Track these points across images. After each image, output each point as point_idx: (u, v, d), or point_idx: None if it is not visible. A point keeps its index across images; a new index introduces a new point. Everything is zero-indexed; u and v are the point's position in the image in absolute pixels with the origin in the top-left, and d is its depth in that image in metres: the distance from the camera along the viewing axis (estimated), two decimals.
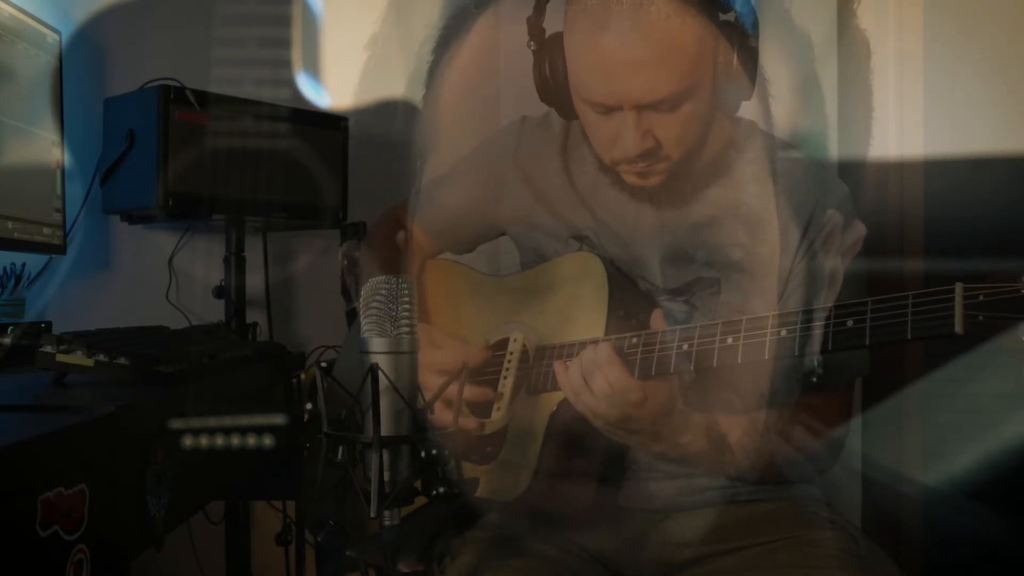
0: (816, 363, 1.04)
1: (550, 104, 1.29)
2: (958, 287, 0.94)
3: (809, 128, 1.92)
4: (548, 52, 1.25)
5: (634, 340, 1.16)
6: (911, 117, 2.08)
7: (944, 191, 2.04)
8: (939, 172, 2.05)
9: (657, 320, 1.17)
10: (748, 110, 1.36)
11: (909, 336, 0.96)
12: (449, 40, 1.93)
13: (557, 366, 1.19)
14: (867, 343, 0.99)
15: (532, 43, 1.26)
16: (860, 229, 1.22)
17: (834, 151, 2.13)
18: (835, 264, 1.21)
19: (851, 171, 2.04)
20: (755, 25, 1.20)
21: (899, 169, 2.10)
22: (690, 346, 1.11)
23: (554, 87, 1.25)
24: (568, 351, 1.24)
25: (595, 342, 1.18)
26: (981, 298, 0.92)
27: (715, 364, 1.10)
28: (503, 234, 1.49)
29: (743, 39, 1.16)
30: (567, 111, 1.27)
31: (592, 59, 1.16)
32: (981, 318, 0.92)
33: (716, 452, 1.22)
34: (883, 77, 2.09)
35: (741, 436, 1.22)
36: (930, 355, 2.01)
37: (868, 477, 2.09)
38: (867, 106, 2.11)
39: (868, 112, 2.11)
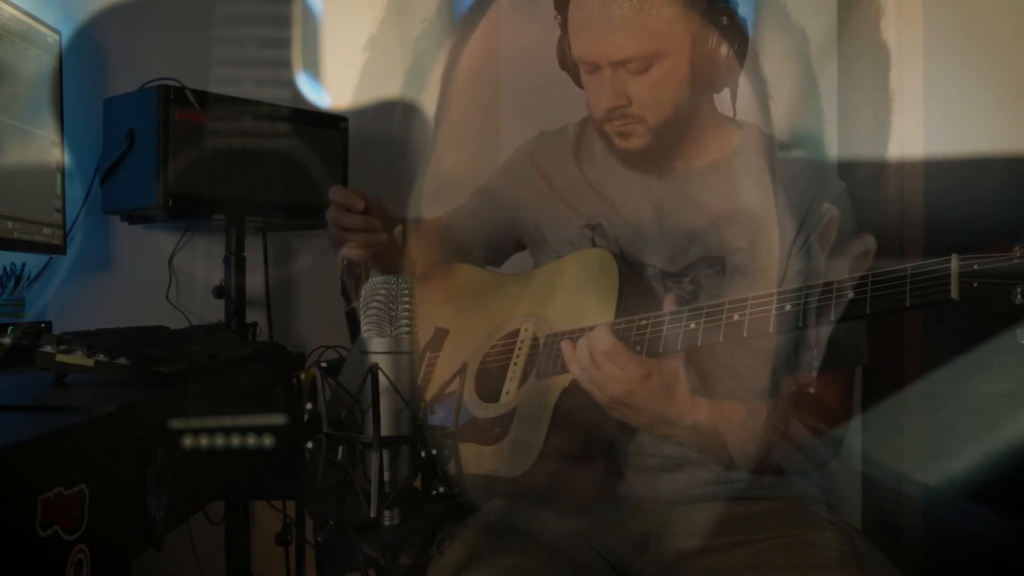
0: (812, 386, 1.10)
1: (569, 73, 1.40)
2: (954, 257, 0.97)
3: (806, 125, 1.93)
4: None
5: (643, 322, 1.21)
6: (911, 117, 2.08)
7: (944, 191, 2.04)
8: (939, 172, 2.05)
9: (669, 303, 1.21)
10: (747, 112, 1.41)
11: (908, 304, 0.99)
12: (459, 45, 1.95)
13: (565, 344, 1.24)
14: (868, 312, 1.02)
15: (558, 16, 1.37)
16: (869, 241, 1.25)
17: (834, 151, 2.14)
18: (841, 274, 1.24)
19: (851, 171, 2.04)
20: (744, 30, 1.31)
21: (899, 169, 2.10)
22: (696, 324, 1.16)
23: (572, 59, 1.36)
24: (578, 335, 1.26)
25: (611, 325, 1.22)
26: (976, 266, 0.96)
27: (721, 339, 1.14)
28: (520, 243, 1.56)
29: (729, 25, 1.28)
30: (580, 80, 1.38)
31: (580, 19, 1.31)
32: (976, 284, 0.95)
33: (720, 437, 1.24)
34: (883, 77, 2.09)
35: (745, 421, 1.24)
36: (930, 355, 2.01)
37: (868, 477, 2.09)
38: (867, 106, 2.11)
39: (868, 112, 2.11)
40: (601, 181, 1.43)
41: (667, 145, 1.34)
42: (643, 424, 1.23)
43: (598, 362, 1.19)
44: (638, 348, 1.19)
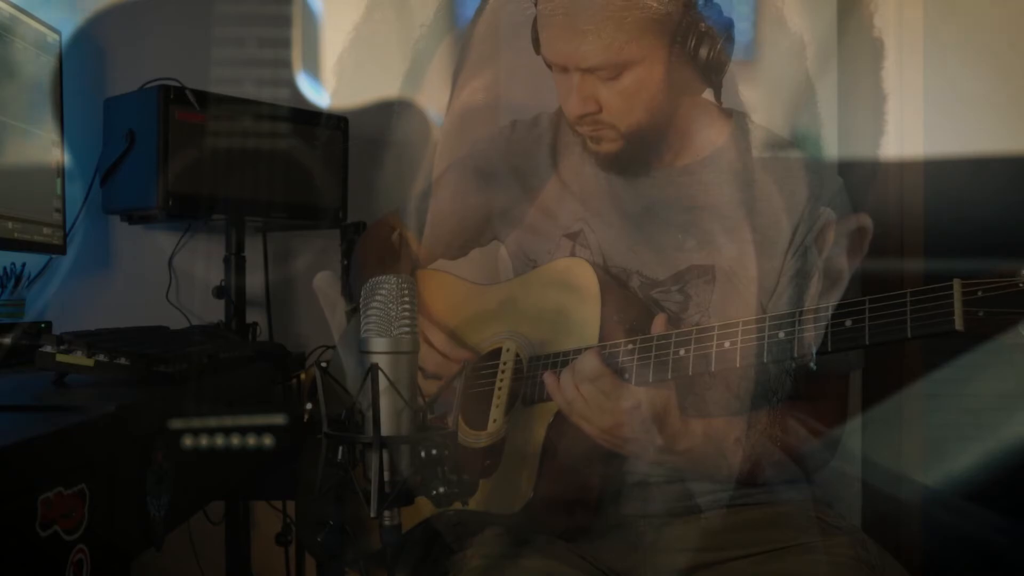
0: (813, 362, 1.04)
1: (547, 64, 1.33)
2: (956, 283, 0.93)
3: (803, 128, 1.93)
4: None
5: (629, 346, 1.16)
6: (911, 117, 2.08)
7: (944, 191, 2.04)
8: (939, 172, 2.05)
9: (659, 324, 1.16)
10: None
11: (909, 335, 0.95)
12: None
13: (547, 377, 1.19)
14: (867, 343, 0.98)
15: (536, 3, 1.30)
16: (863, 218, 1.22)
17: (834, 151, 2.13)
18: (840, 263, 1.21)
19: (851, 171, 2.04)
20: (728, 29, 1.24)
21: (899, 169, 2.10)
22: (687, 351, 1.11)
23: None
24: (563, 359, 1.23)
25: (587, 350, 1.18)
26: (980, 293, 0.91)
27: (712, 369, 1.09)
28: (495, 238, 1.49)
29: (708, 30, 1.21)
30: None
31: (548, 16, 1.23)
32: (981, 314, 0.91)
33: (716, 456, 1.21)
34: (883, 77, 2.09)
35: (739, 436, 1.21)
36: (930, 355, 2.01)
37: (868, 478, 2.09)
38: (867, 106, 2.11)
39: (868, 112, 2.11)
40: (581, 182, 1.36)
41: (645, 148, 1.28)
42: (635, 453, 1.20)
43: (584, 394, 1.14)
44: (626, 376, 1.14)
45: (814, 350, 1.04)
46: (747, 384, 1.24)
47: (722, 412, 1.23)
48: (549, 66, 1.31)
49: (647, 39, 1.19)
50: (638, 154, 1.29)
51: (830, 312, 1.02)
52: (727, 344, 1.08)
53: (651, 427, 1.15)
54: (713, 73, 1.25)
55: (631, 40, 1.18)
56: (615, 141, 1.26)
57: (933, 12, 2.07)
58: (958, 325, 0.92)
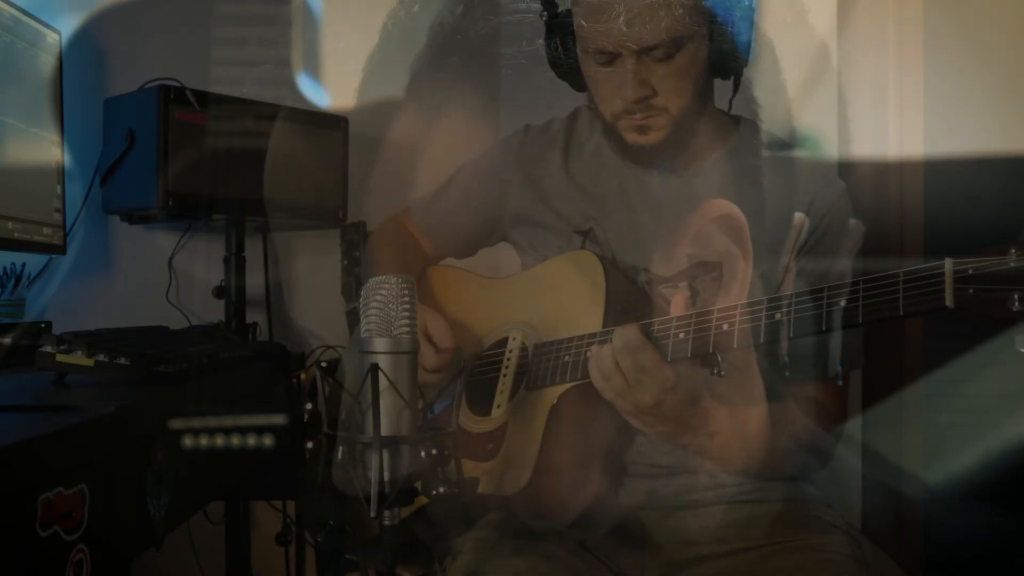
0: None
1: (560, 75, 1.36)
2: (947, 262, 0.95)
3: (807, 124, 1.93)
4: (559, 24, 1.32)
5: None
6: (911, 117, 2.08)
7: (944, 191, 2.04)
8: (939, 172, 2.05)
9: (677, 305, 1.16)
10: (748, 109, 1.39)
11: (901, 312, 0.97)
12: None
13: (594, 349, 1.17)
14: (860, 321, 1.00)
15: (544, 14, 1.33)
16: (857, 226, 1.24)
17: (834, 151, 2.14)
18: (843, 265, 1.23)
19: (851, 171, 2.04)
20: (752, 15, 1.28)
21: (899, 169, 2.10)
22: (686, 334, 1.12)
23: (564, 56, 1.33)
24: (567, 346, 1.24)
25: (601, 334, 1.20)
26: (970, 271, 0.93)
27: (711, 350, 1.11)
28: (503, 239, 1.51)
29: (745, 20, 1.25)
30: (576, 80, 1.34)
31: (597, 5, 1.23)
32: (971, 291, 0.93)
33: (738, 443, 1.22)
34: (883, 77, 2.09)
35: (759, 428, 1.23)
36: (930, 355, 2.02)
37: (868, 477, 2.09)
38: (867, 106, 2.11)
39: (868, 112, 2.11)
40: (594, 182, 1.39)
41: (680, 139, 1.30)
42: (664, 434, 1.19)
43: (624, 368, 1.12)
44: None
45: (832, 370, 1.09)
46: (757, 379, 1.26)
47: (726, 402, 1.24)
48: (568, 75, 1.33)
49: (696, 15, 1.22)
50: (675, 145, 1.31)
51: (825, 293, 1.03)
52: (725, 326, 1.10)
53: (686, 407, 1.14)
54: (741, 58, 1.28)
55: (685, 16, 1.21)
56: (663, 129, 1.27)
57: (933, 12, 2.07)
58: (948, 302, 0.94)
